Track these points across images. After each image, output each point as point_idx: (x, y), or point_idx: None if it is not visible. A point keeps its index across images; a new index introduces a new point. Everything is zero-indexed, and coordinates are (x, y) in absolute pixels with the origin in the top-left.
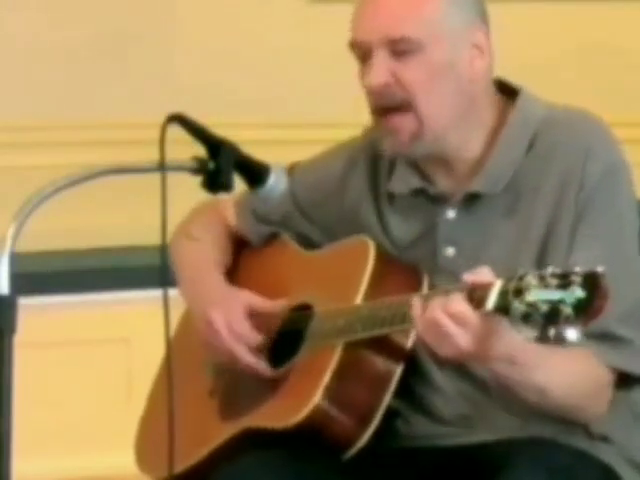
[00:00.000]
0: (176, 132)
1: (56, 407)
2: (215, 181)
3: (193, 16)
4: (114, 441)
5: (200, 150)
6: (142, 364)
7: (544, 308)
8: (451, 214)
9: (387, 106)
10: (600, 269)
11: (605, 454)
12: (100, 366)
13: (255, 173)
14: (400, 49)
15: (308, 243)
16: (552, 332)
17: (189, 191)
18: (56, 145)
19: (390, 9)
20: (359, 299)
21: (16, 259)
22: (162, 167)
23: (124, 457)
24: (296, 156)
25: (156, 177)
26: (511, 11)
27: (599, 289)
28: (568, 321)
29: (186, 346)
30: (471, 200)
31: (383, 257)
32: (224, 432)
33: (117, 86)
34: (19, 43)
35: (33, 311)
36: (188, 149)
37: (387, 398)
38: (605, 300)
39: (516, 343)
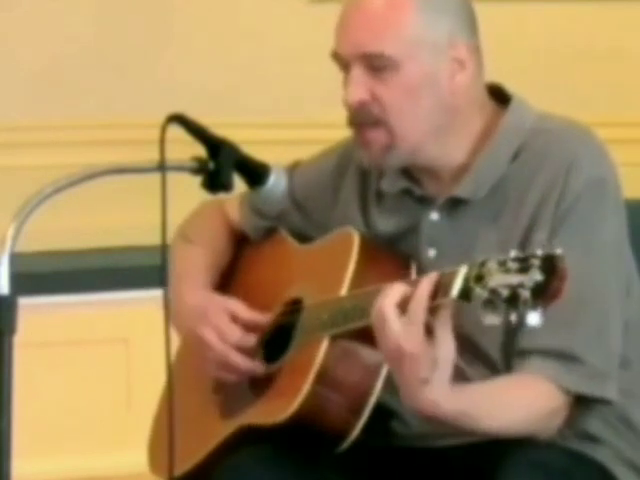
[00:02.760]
0: (176, 132)
1: (56, 407)
2: (215, 181)
3: (192, 16)
4: (114, 441)
5: (200, 150)
6: (141, 364)
7: (505, 293)
8: (434, 216)
9: (363, 122)
10: (559, 251)
11: (600, 454)
12: (99, 366)
13: (255, 173)
14: (376, 65)
15: (304, 238)
16: (514, 317)
17: (189, 191)
18: (56, 145)
19: (367, 23)
20: (344, 290)
21: (16, 259)
22: (162, 167)
23: (124, 457)
24: (296, 156)
25: (156, 177)
26: (511, 12)
27: (556, 271)
28: (527, 305)
29: (192, 345)
30: (454, 204)
31: (368, 247)
32: (223, 430)
33: (117, 86)
34: (19, 43)
35: (33, 311)
36: (188, 149)
37: (378, 387)
38: (562, 282)
39: (465, 395)
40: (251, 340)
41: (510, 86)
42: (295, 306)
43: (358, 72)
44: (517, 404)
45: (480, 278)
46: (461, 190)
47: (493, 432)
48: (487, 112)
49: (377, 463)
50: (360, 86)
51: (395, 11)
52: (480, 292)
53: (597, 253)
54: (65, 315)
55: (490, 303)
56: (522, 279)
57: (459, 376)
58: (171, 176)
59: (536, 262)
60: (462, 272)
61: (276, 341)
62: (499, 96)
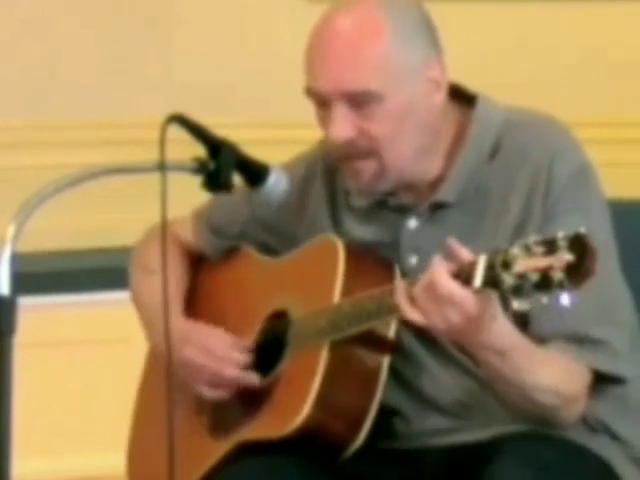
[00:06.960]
0: (176, 132)
1: (56, 407)
2: (215, 181)
3: (193, 16)
4: (114, 441)
5: (200, 150)
6: (141, 364)
7: (534, 277)
8: (413, 223)
9: (351, 155)
10: (582, 230)
11: (603, 448)
12: (99, 366)
13: (255, 173)
14: (360, 100)
15: (268, 251)
16: (545, 300)
17: (189, 191)
18: (56, 145)
19: (345, 58)
20: (336, 298)
21: (16, 259)
22: (162, 167)
23: (123, 457)
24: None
25: (156, 177)
26: (514, 12)
27: (587, 249)
28: (561, 286)
29: (159, 371)
30: (435, 209)
31: (353, 253)
32: (218, 449)
33: (117, 86)
34: (20, 43)
35: (33, 311)
36: (188, 149)
37: (379, 393)
38: (594, 259)
39: (511, 338)
40: (239, 355)
41: (513, 87)
42: (280, 319)
43: (342, 110)
44: (560, 364)
45: (506, 265)
46: (440, 195)
47: (525, 388)
48: (455, 117)
49: (378, 466)
50: (346, 124)
51: (370, 41)
52: (507, 279)
53: (594, 234)
54: (65, 315)
55: (519, 289)
56: (551, 261)
57: (434, 378)
58: (171, 176)
59: (563, 243)
60: (482, 261)
61: (263, 355)
62: (461, 95)
